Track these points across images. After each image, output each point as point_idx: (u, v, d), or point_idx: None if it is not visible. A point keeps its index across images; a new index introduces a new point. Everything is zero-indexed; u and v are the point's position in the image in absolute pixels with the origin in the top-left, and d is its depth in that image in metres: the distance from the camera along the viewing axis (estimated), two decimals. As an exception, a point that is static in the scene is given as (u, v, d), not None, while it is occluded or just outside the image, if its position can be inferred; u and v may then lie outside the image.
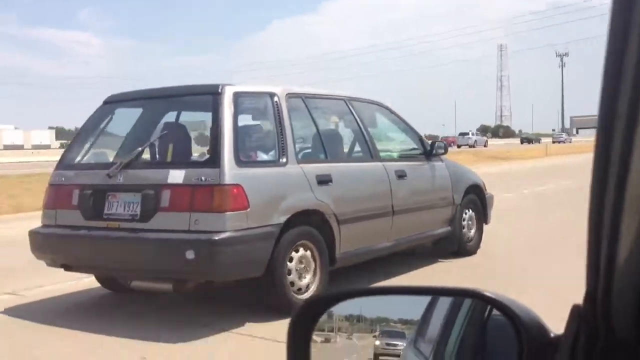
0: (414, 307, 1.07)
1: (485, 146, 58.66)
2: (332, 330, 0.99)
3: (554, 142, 71.73)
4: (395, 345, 1.08)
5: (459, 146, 56.06)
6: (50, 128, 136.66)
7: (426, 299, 1.09)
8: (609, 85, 0.52)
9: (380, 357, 1.08)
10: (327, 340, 0.98)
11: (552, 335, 0.71)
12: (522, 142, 67.24)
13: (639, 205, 0.52)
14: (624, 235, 0.53)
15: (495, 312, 0.88)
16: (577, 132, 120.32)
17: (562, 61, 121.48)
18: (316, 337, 0.93)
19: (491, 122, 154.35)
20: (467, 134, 69.19)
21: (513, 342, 0.74)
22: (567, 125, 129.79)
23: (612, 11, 0.51)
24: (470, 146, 57.80)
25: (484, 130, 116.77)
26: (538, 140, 76.16)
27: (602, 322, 0.58)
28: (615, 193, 0.53)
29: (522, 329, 0.72)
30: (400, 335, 1.08)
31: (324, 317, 0.95)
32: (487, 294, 0.81)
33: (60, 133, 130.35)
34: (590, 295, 0.59)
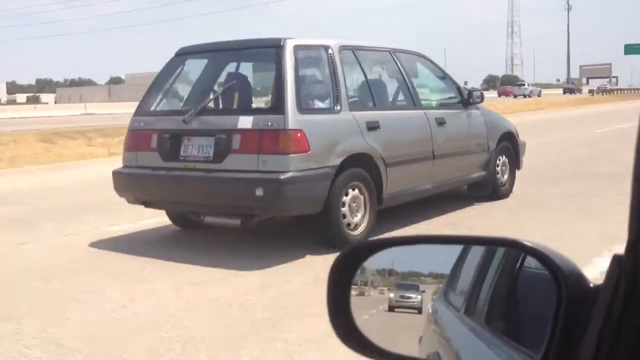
0: (445, 258, 1.08)
1: (539, 96, 58.14)
2: (365, 284, 1.03)
3: (564, 92, 70.51)
4: (409, 297, 1.13)
5: (515, 96, 54.89)
6: (38, 80, 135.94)
7: (457, 250, 1.11)
8: None
9: (395, 309, 1.12)
10: (361, 294, 1.00)
11: (591, 285, 0.71)
12: (564, 93, 66.85)
13: None
14: None
15: (527, 261, 0.92)
16: (587, 82, 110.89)
17: (568, 3, 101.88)
18: (352, 289, 0.96)
19: (500, 72, 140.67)
20: (524, 84, 70.07)
21: (547, 291, 0.75)
22: (577, 75, 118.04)
23: None
24: (526, 96, 56.92)
25: (490, 81, 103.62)
26: (580, 91, 74.69)
27: None
28: None
29: (562, 279, 0.73)
30: (414, 288, 1.12)
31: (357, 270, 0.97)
32: (527, 243, 0.81)
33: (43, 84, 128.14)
34: (632, 244, 0.59)
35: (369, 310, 1.06)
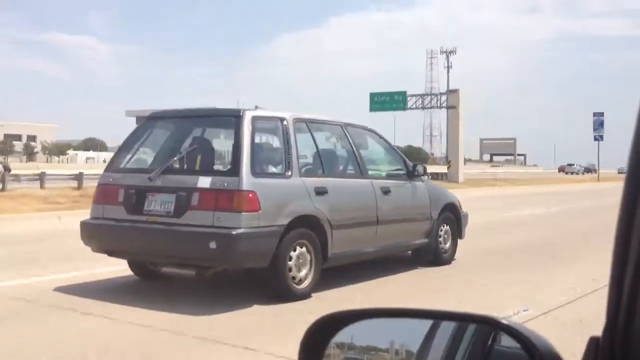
0: (413, 332, 1.08)
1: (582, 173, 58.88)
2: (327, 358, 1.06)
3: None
4: None
5: (566, 173, 52.68)
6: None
7: (426, 324, 1.10)
8: None
9: None
10: None
11: None
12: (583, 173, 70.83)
13: None
14: None
15: (500, 339, 0.93)
16: (491, 159, 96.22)
17: (448, 60, 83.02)
18: None
19: (406, 142, 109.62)
20: (573, 164, 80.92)
21: None
22: (477, 149, 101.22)
23: None
24: (574, 173, 57.30)
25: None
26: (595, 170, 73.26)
27: (621, 353, 0.58)
28: None
29: (539, 359, 0.73)
30: None
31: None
32: (503, 321, 0.81)
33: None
34: (610, 326, 0.59)
35: None
